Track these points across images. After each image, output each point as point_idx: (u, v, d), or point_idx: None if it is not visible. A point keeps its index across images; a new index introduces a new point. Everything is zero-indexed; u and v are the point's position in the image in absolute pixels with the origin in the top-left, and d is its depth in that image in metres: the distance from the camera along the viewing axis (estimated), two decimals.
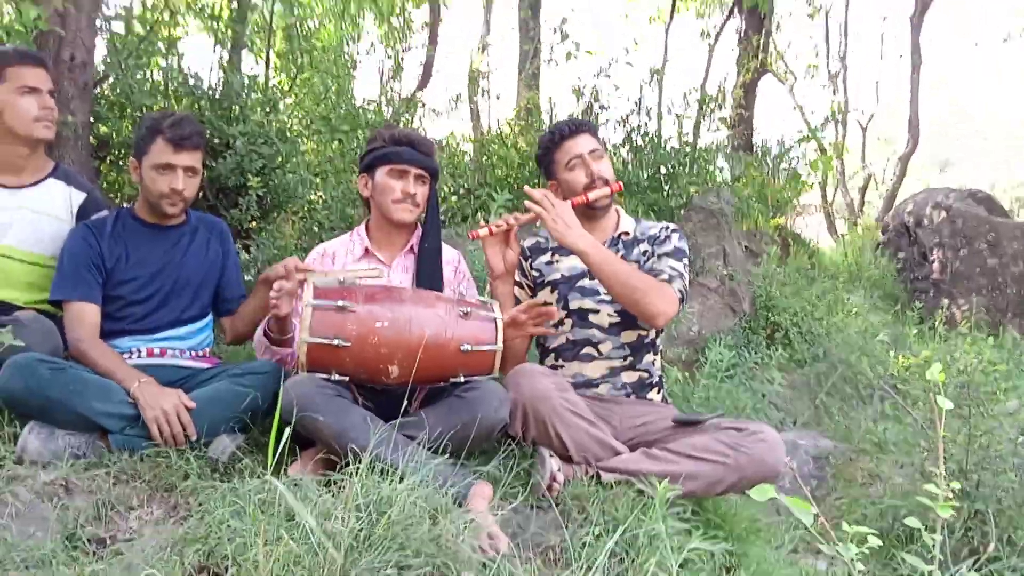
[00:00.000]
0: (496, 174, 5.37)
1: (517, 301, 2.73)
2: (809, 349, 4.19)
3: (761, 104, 9.66)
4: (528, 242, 2.86)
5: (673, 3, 9.27)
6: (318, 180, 4.72)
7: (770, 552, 2.38)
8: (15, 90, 2.62)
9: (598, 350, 2.71)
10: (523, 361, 2.72)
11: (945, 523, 2.77)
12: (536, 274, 2.82)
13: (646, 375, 2.75)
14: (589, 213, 2.69)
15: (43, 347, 2.36)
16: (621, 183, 2.81)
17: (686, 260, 2.75)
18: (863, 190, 10.99)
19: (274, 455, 1.57)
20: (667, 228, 2.80)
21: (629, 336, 2.71)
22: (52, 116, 2.70)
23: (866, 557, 2.26)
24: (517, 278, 2.79)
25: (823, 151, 9.64)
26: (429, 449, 2.22)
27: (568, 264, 2.76)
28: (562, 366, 2.75)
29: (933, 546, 1.42)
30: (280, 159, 4.27)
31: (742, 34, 9.56)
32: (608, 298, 2.67)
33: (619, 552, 2.20)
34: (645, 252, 2.74)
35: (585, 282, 2.72)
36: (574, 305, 2.72)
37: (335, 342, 2.26)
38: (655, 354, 2.80)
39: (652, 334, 2.76)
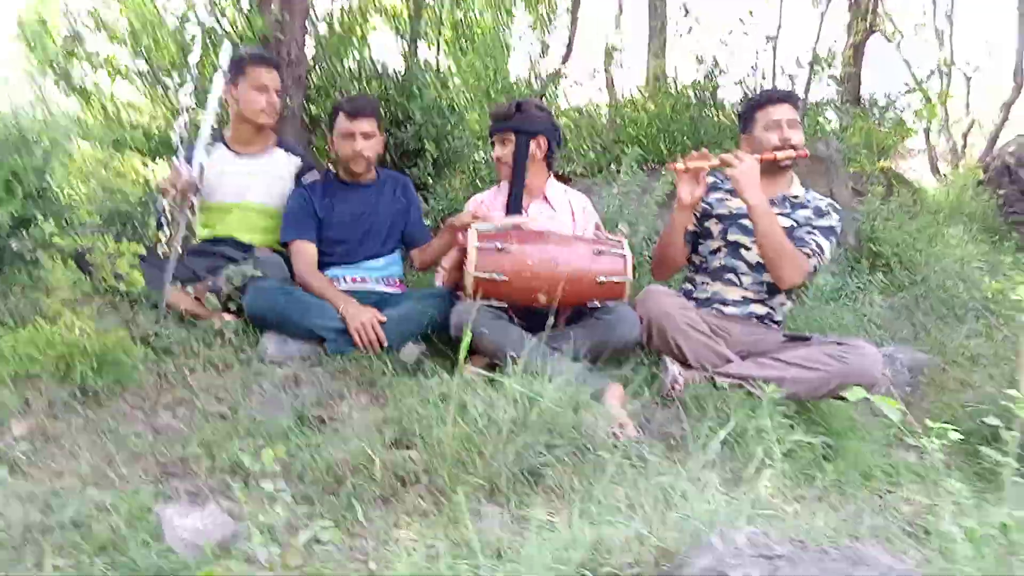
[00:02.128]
0: (628, 133, 5.25)
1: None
2: (909, 276, 3.90)
3: (870, 61, 8.88)
4: (709, 180, 2.78)
5: None
6: (480, 143, 4.78)
7: (864, 446, 2.28)
8: (251, 87, 2.83)
9: (740, 280, 2.64)
10: (681, 266, 2.74)
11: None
12: (707, 206, 2.74)
13: (773, 312, 2.66)
14: (772, 169, 2.58)
15: (276, 275, 2.58)
16: (807, 152, 2.69)
17: (834, 240, 2.63)
18: (966, 135, 9.95)
19: (456, 361, 1.64)
20: (832, 206, 2.68)
21: (769, 277, 2.59)
22: (274, 109, 2.90)
23: (949, 451, 2.14)
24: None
25: (929, 101, 8.79)
26: (572, 359, 2.26)
27: (736, 203, 2.65)
28: (706, 283, 2.70)
29: (1011, 442, 1.32)
30: (450, 127, 4.35)
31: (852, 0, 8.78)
32: None
33: (731, 442, 2.19)
34: (807, 217, 2.62)
35: (746, 222, 2.58)
36: (732, 238, 2.66)
37: (495, 276, 2.33)
38: (787, 298, 2.69)
39: None
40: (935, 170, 9.19)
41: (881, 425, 2.37)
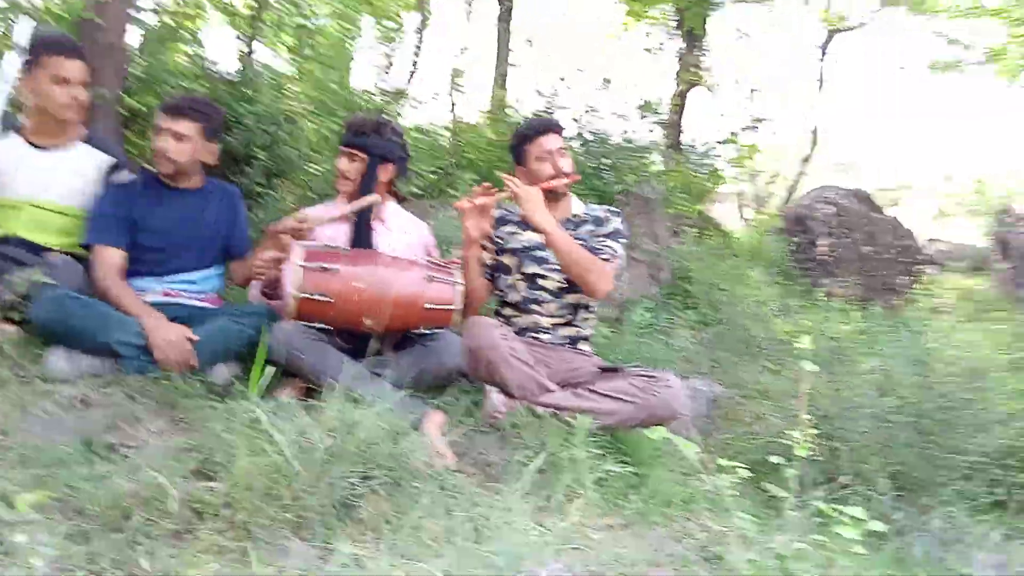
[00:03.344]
0: (467, 157, 5.32)
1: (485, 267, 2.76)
2: (714, 313, 4.26)
3: (691, 111, 9.65)
4: (497, 214, 2.84)
5: (625, 22, 9.16)
6: (317, 155, 4.64)
7: (666, 476, 2.43)
8: (49, 78, 2.53)
9: (544, 308, 2.73)
10: (485, 300, 2.77)
11: (804, 460, 2.86)
12: (500, 241, 2.81)
13: (580, 330, 2.78)
14: (549, 197, 2.66)
15: (71, 284, 2.32)
16: (578, 175, 2.81)
17: (624, 240, 2.78)
18: (769, 185, 11.09)
19: (259, 382, 1.56)
20: (610, 211, 2.82)
21: (572, 299, 2.74)
22: (79, 104, 2.61)
23: (737, 485, 2.33)
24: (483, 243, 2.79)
25: (739, 152, 9.68)
26: (394, 385, 2.23)
27: (527, 236, 2.76)
28: (516, 316, 2.77)
29: (791, 478, 1.46)
30: (284, 136, 4.19)
31: (681, 52, 9.51)
32: (557, 267, 2.68)
33: (546, 471, 2.25)
34: (591, 231, 2.75)
35: (539, 253, 2.73)
36: (528, 271, 2.74)
37: (319, 297, 2.26)
38: (590, 314, 2.83)
39: (590, 299, 2.79)
40: (742, 216, 10.12)
41: (681, 456, 2.53)
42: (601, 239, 2.71)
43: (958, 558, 2.59)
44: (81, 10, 3.46)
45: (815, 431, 2.96)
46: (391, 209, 2.81)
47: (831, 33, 10.75)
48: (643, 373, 2.56)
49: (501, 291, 2.81)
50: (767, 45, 11.44)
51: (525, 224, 2.75)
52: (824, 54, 10.83)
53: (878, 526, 1.39)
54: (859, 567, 2.32)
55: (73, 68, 2.56)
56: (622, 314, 3.65)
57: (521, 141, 2.78)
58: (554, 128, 2.78)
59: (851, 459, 2.84)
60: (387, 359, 2.35)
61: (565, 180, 2.70)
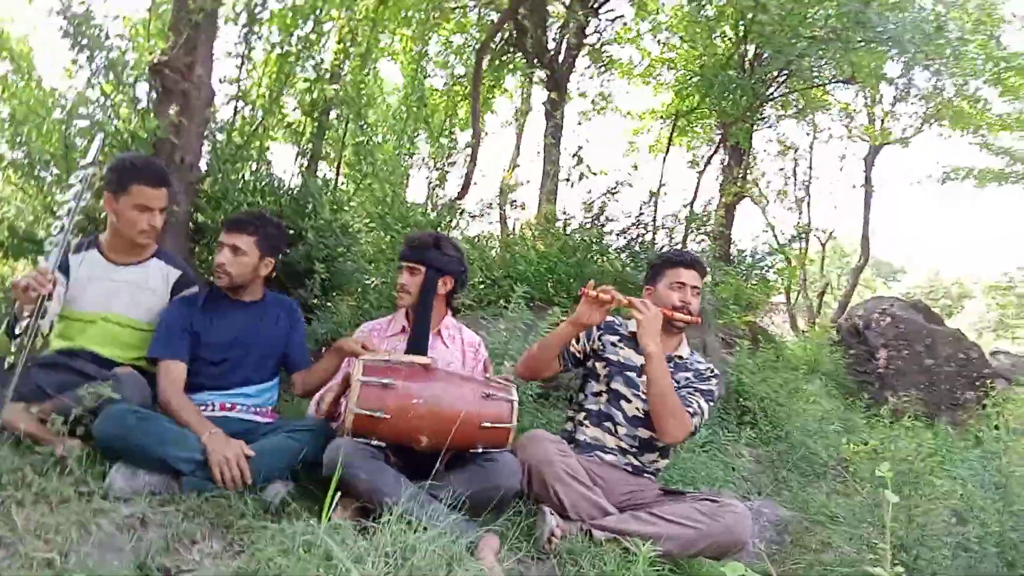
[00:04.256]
0: (518, 269, 5.39)
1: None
2: (773, 430, 4.10)
3: (739, 222, 9.73)
4: (608, 319, 2.83)
5: (670, 138, 9.41)
6: (372, 268, 4.75)
7: None
8: (133, 206, 2.62)
9: (616, 429, 2.69)
10: (543, 375, 2.79)
11: None
12: (599, 346, 2.80)
13: (647, 466, 2.70)
14: (665, 328, 2.66)
15: (136, 398, 2.35)
16: (699, 320, 2.82)
17: (713, 403, 2.76)
18: (821, 295, 10.95)
19: (325, 508, 1.53)
20: (712, 370, 2.81)
21: (644, 433, 2.69)
22: (156, 231, 2.71)
23: None
24: (582, 337, 2.79)
25: (789, 262, 9.64)
26: (450, 507, 2.17)
27: (626, 354, 2.77)
28: (586, 426, 2.72)
29: None
30: (342, 249, 4.32)
31: (725, 164, 9.68)
32: (643, 396, 2.67)
33: None
34: (687, 379, 2.73)
35: (632, 375, 2.73)
36: (615, 386, 2.73)
37: (377, 414, 2.25)
38: (660, 456, 2.75)
39: (662, 441, 2.70)
40: (794, 327, 9.94)
41: None
42: (693, 391, 2.68)
43: None
44: (157, 129, 3.69)
45: (891, 562, 2.78)
46: (448, 322, 2.83)
47: (876, 147, 10.85)
48: (707, 497, 2.46)
49: (584, 395, 2.79)
50: (813, 158, 11.57)
51: (632, 341, 2.76)
52: (869, 167, 10.90)
53: None
54: None
55: (158, 197, 2.66)
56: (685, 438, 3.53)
57: (663, 264, 2.82)
58: (698, 267, 2.81)
59: None
60: (442, 480, 2.29)
61: (688, 317, 2.70)
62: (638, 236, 5.93)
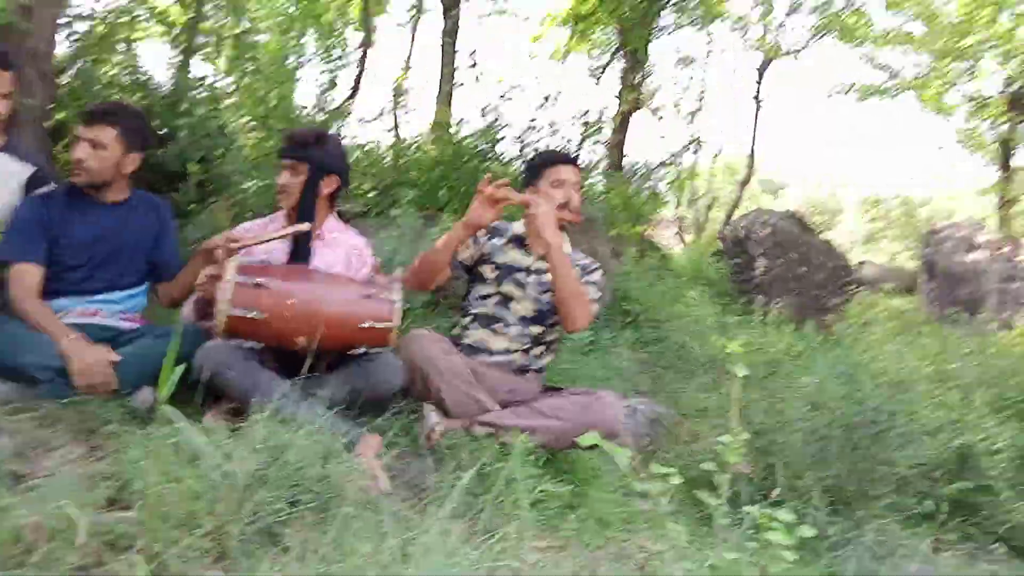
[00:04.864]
0: (409, 176, 5.28)
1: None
2: (654, 332, 4.30)
3: (634, 133, 9.85)
4: (493, 223, 2.80)
5: (568, 44, 9.30)
6: (254, 172, 4.53)
7: (605, 495, 2.42)
8: None
9: (506, 331, 2.71)
10: (435, 282, 2.71)
11: (741, 472, 2.89)
12: (487, 250, 2.80)
13: (532, 363, 2.76)
14: None
15: None
16: (583, 217, 2.85)
17: (602, 295, 2.85)
18: (708, 208, 11.35)
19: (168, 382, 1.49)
20: (595, 264, 2.87)
21: (534, 330, 2.74)
22: (1, 115, 2.47)
23: (680, 500, 2.32)
24: (470, 243, 2.76)
25: (680, 175, 9.89)
26: (329, 406, 2.16)
27: (514, 255, 2.77)
28: (473, 329, 2.74)
29: (722, 484, 1.46)
30: (220, 151, 4.09)
31: (623, 73, 9.68)
32: (532, 295, 2.71)
33: (481, 493, 2.21)
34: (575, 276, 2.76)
35: (520, 276, 2.74)
36: (504, 288, 2.74)
37: (251, 314, 2.18)
38: (549, 352, 2.82)
39: (551, 335, 2.78)
40: (682, 239, 10.31)
41: (621, 475, 2.53)
42: (585, 283, 2.72)
43: (889, 570, 2.65)
44: (2, 11, 3.31)
45: (750, 446, 3.01)
46: (331, 225, 2.75)
47: (767, 60, 11.11)
48: (582, 391, 2.56)
49: (470, 301, 2.80)
50: (707, 71, 11.74)
51: (517, 243, 2.77)
52: (760, 79, 11.18)
53: (809, 532, 1.39)
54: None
55: (1, 80, 2.42)
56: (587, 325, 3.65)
57: (542, 164, 2.79)
58: (574, 162, 2.81)
59: (786, 474, 2.88)
60: (321, 379, 2.28)
61: (572, 215, 2.72)
62: (533, 142, 5.89)
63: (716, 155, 12.02)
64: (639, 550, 2.28)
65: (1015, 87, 9.24)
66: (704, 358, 3.90)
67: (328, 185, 2.63)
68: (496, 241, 2.81)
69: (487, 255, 2.79)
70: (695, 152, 10.87)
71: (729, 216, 10.32)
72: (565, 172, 2.74)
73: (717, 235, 9.10)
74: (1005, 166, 10.29)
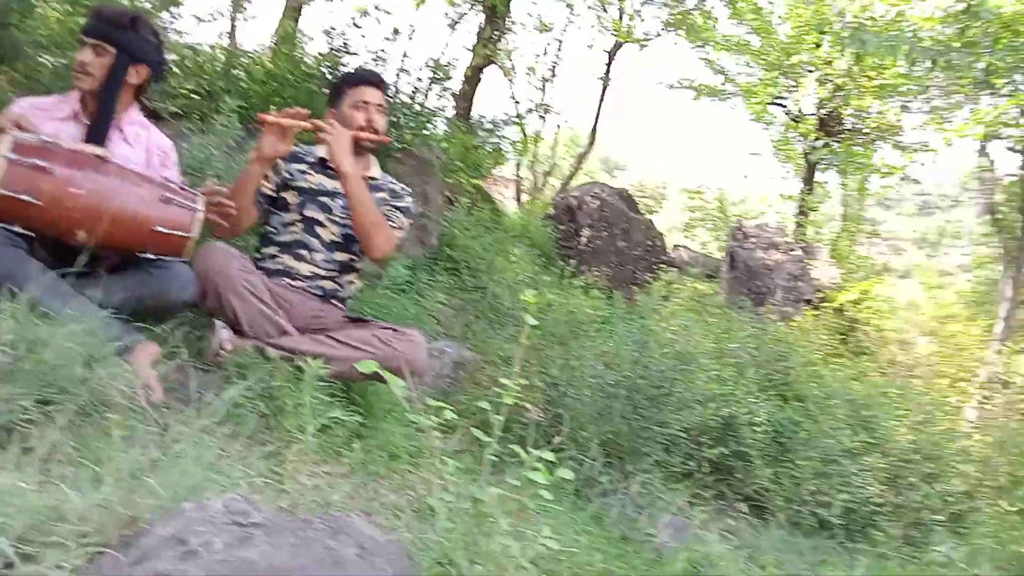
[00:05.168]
0: (239, 84, 4.92)
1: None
2: (473, 281, 4.37)
3: (485, 89, 9.83)
4: (292, 149, 2.65)
5: None
6: (54, 48, 4.00)
7: (398, 428, 2.44)
8: None
9: (312, 256, 2.61)
10: (244, 229, 2.59)
11: (533, 419, 3.03)
12: (287, 176, 2.65)
13: (339, 289, 2.70)
14: (354, 150, 2.55)
15: None
16: (388, 139, 2.76)
17: (411, 221, 2.79)
18: (547, 174, 11.64)
19: None
20: (405, 190, 2.81)
21: (342, 256, 2.66)
22: None
23: (469, 440, 2.39)
24: (270, 173, 2.59)
25: (525, 136, 10.04)
26: (105, 309, 1.99)
27: (317, 179, 2.65)
28: (277, 256, 2.61)
29: (494, 425, 1.51)
30: (14, 16, 3.57)
31: (481, 27, 9.58)
32: (338, 220, 2.62)
33: (269, 414, 2.16)
34: (383, 199, 2.70)
35: (325, 200, 2.63)
36: (308, 213, 2.61)
37: (25, 198, 1.94)
38: (355, 277, 2.76)
39: (360, 262, 2.72)
40: (519, 199, 10.51)
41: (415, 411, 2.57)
42: (391, 209, 2.68)
43: (648, 520, 2.91)
44: None
45: (545, 396, 3.16)
46: (133, 118, 2.49)
47: (619, 44, 11.46)
48: (387, 326, 2.55)
49: (273, 228, 2.65)
50: (564, 43, 11.92)
51: (321, 167, 2.66)
52: (611, 60, 11.53)
53: (567, 474, 1.48)
54: (559, 519, 2.50)
55: None
56: (380, 270, 3.60)
57: (342, 84, 2.69)
58: (379, 83, 2.70)
59: (572, 425, 3.07)
60: (100, 279, 2.08)
61: (375, 136, 2.63)
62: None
63: (560, 126, 12.33)
64: (422, 482, 2.34)
65: (825, 110, 10.23)
66: (516, 310, 4.01)
67: (136, 75, 2.38)
68: (298, 166, 2.68)
69: (289, 180, 2.66)
70: (542, 118, 11.08)
71: (565, 185, 10.64)
72: (368, 93, 2.65)
73: (551, 201, 9.37)
74: (808, 179, 11.43)
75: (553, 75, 11.82)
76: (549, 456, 1.41)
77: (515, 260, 4.93)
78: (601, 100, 11.63)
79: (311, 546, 1.10)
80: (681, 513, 3.13)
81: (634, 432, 3.12)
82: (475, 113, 8.48)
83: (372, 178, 2.73)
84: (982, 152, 7.12)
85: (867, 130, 9.68)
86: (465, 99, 8.34)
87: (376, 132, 2.64)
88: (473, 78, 8.72)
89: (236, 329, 2.31)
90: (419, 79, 6.09)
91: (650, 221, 8.80)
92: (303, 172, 2.67)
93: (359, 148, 2.62)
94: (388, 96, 2.77)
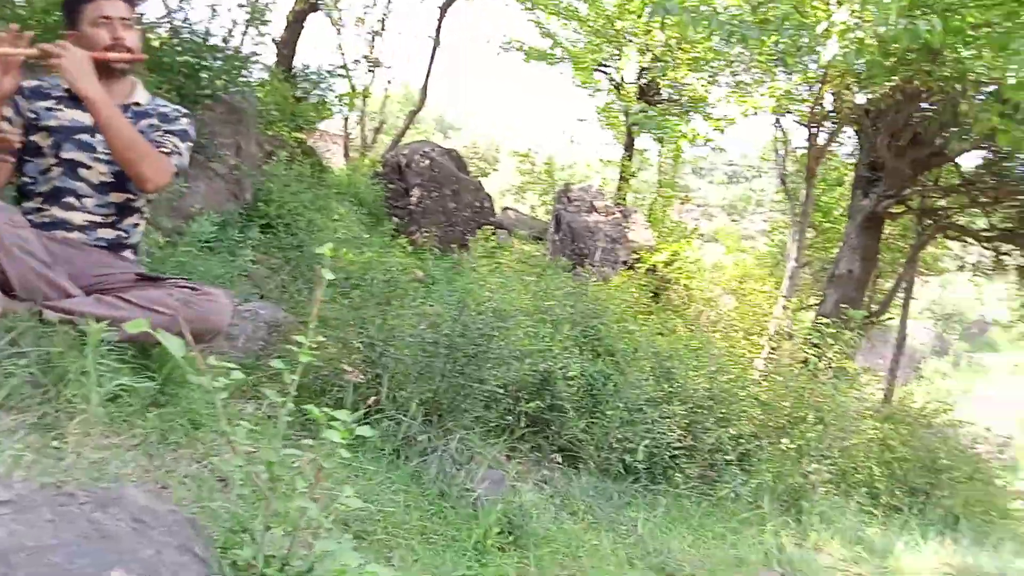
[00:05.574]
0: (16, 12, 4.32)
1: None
2: (290, 239, 4.19)
3: (308, 36, 9.34)
4: (30, 83, 2.31)
5: None
6: None
7: (202, 396, 2.30)
8: None
9: (82, 203, 2.32)
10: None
11: (351, 380, 2.99)
12: (32, 116, 2.29)
13: (124, 235, 2.44)
14: (105, 73, 2.26)
15: None
16: (145, 56, 2.44)
17: (190, 143, 2.52)
18: (376, 131, 11.35)
19: None
20: (179, 111, 2.53)
21: (117, 197, 2.37)
22: None
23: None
24: (7, 113, 2.24)
25: (353, 89, 9.71)
26: None
27: (70, 115, 2.31)
28: (43, 208, 2.31)
29: (288, 384, 1.47)
30: None
31: None
32: (103, 157, 2.31)
33: (48, 385, 1.96)
34: (152, 125, 2.41)
35: (84, 137, 2.30)
36: (67, 155, 2.29)
37: None
38: (139, 218, 2.51)
39: (140, 200, 2.46)
40: (347, 155, 10.20)
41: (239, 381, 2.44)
42: (163, 134, 2.42)
43: (466, 476, 2.98)
44: None
45: (363, 356, 3.12)
46: None
47: (449, 1, 11.32)
48: (186, 285, 2.38)
49: (30, 178, 2.33)
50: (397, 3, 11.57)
51: (72, 101, 2.32)
52: (442, 17, 11.37)
53: (369, 432, 1.47)
54: (374, 480, 2.49)
55: None
56: (184, 226, 3.35)
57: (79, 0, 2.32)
58: None
59: (391, 385, 3.06)
60: None
61: (127, 56, 2.33)
62: (186, 19, 5.23)
63: (390, 81, 12.04)
64: (232, 449, 2.23)
65: (645, 80, 10.76)
66: (337, 271, 3.91)
67: None
68: (44, 103, 2.35)
69: (36, 120, 2.33)
70: (370, 71, 10.76)
71: (395, 143, 10.44)
72: (108, 7, 2.33)
73: (380, 159, 9.18)
74: (628, 146, 12.02)
75: (383, 28, 11.49)
76: (344, 415, 1.39)
77: (338, 218, 4.78)
78: (432, 57, 11.47)
79: (75, 521, 1.02)
80: (498, 466, 3.23)
81: (454, 390, 3.17)
82: (298, 62, 8.08)
83: (137, 104, 2.46)
84: (777, 125, 7.83)
85: (681, 101, 10.31)
86: (287, 46, 7.90)
87: (129, 50, 2.35)
88: (296, 24, 8.27)
89: (7, 291, 2.06)
90: (233, 21, 5.70)
91: (479, 182, 8.90)
92: (50, 109, 2.34)
93: (111, 71, 2.33)
94: (136, 6, 2.46)
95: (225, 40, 5.22)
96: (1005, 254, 8.68)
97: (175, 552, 1.08)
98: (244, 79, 4.97)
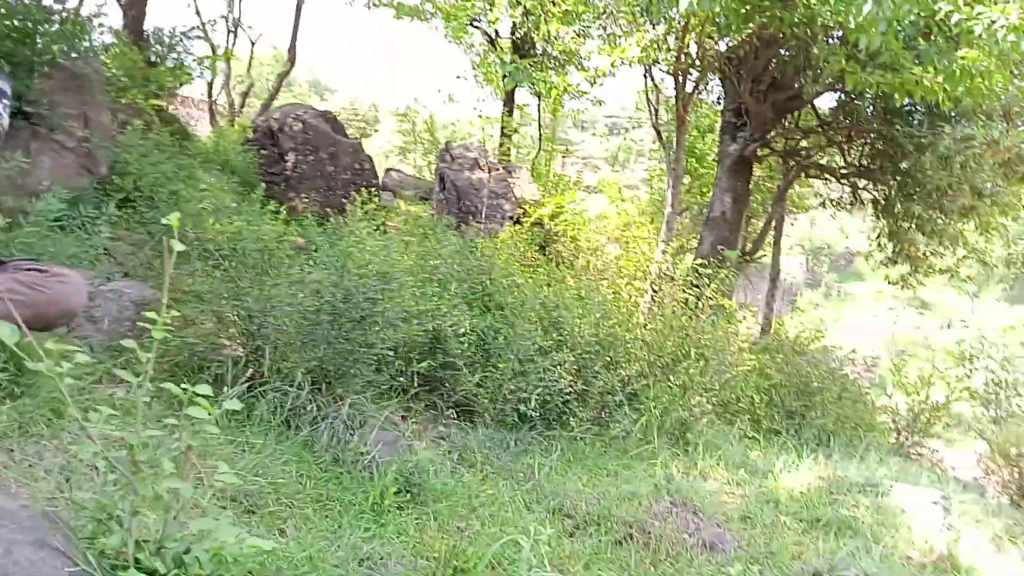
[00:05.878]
0: None
1: None
2: (152, 213, 3.93)
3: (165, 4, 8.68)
4: None
5: None
6: None
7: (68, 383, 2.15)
8: None
9: None
10: None
11: (231, 355, 2.87)
12: None
13: None
14: None
15: None
16: None
17: (6, 101, 2.28)
18: (244, 95, 10.79)
19: None
20: None
21: None
22: None
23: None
24: None
25: (214, 51, 9.15)
26: None
27: None
28: None
29: (146, 362, 1.39)
30: None
31: None
32: None
33: None
34: None
35: None
36: None
37: None
38: None
39: None
40: (213, 122, 9.65)
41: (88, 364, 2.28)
42: None
43: (360, 439, 2.94)
44: None
45: (241, 330, 3.00)
46: None
47: None
48: (32, 267, 2.19)
49: None
50: None
51: None
52: None
53: (236, 405, 1.42)
54: (262, 453, 2.43)
55: None
56: (29, 204, 3.07)
57: None
58: None
59: (274, 357, 2.96)
60: None
61: None
62: None
63: (255, 43, 11.41)
64: (105, 436, 2.11)
65: (520, 34, 10.69)
66: (203, 243, 3.70)
67: None
68: None
69: None
70: (231, 32, 10.18)
71: (266, 107, 9.97)
72: None
73: (251, 124, 8.75)
74: (508, 101, 11.97)
75: None
76: (206, 390, 1.33)
77: (206, 188, 4.52)
78: (297, 16, 10.96)
79: None
80: (392, 427, 3.22)
81: (341, 356, 3.10)
82: (149, 25, 7.51)
83: None
84: (647, 76, 7.99)
85: (555, 54, 10.34)
86: (134, 7, 7.31)
87: None
88: None
89: None
90: None
91: (358, 144, 8.62)
92: None
93: None
94: None
95: (60, 2, 4.78)
96: (862, 189, 9.29)
97: (29, 548, 1.01)
98: (86, 44, 4.58)
